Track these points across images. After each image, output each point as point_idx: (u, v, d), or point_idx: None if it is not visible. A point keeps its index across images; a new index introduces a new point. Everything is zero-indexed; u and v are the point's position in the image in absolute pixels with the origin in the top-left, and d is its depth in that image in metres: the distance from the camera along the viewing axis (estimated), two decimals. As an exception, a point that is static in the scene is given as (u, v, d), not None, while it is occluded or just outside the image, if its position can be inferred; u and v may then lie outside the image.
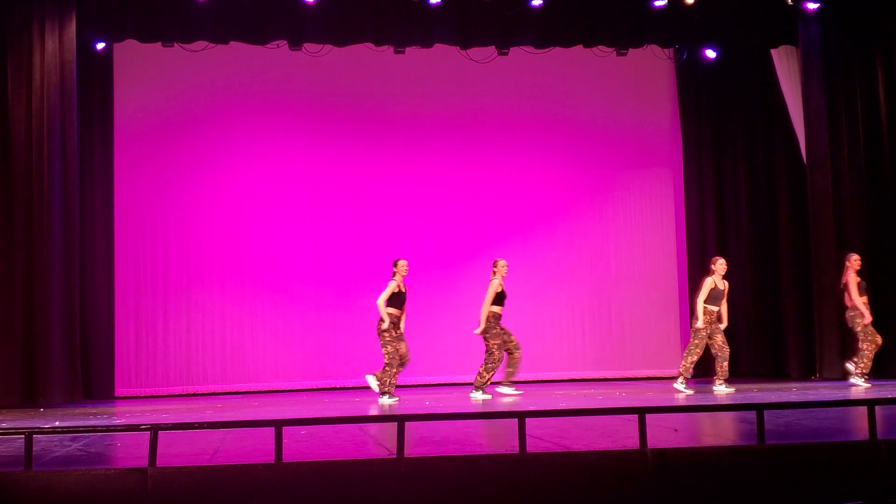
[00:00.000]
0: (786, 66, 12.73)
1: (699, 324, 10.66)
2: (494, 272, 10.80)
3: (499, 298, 10.69)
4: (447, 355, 13.26)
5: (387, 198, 13.44)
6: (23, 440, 5.39)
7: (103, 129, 12.35)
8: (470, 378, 13.25)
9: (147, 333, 12.61)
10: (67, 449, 6.47)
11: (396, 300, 10.41)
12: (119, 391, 12.16)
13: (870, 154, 12.22)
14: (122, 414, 9.74)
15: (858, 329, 10.90)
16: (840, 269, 11.20)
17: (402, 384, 11.05)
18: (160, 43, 12.03)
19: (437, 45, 12.40)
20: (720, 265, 10.83)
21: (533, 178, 13.76)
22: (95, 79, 12.26)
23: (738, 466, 5.56)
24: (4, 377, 10.79)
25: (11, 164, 11.05)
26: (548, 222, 13.79)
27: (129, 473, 5.26)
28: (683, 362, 10.77)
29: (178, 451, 6.06)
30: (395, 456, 5.43)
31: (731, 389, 10.51)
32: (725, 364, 10.68)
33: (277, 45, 12.23)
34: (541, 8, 11.98)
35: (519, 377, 13.20)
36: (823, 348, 11.99)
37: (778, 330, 13.15)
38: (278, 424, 5.47)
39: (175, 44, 12.08)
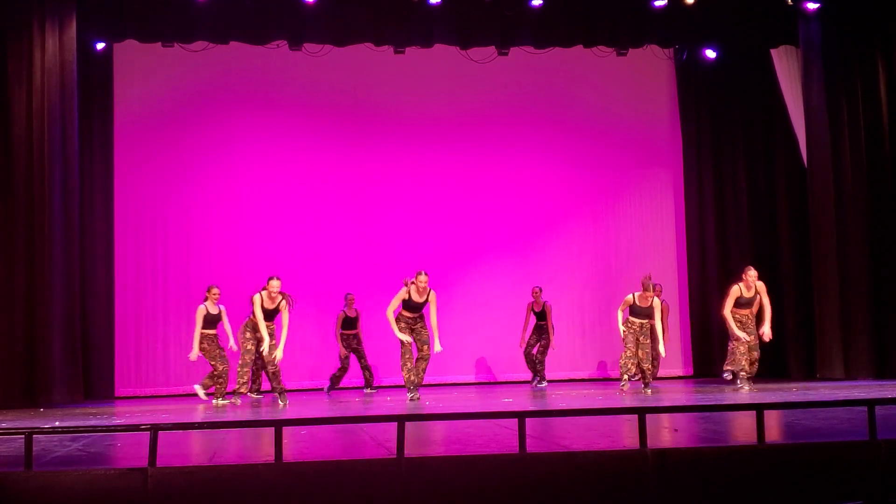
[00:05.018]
0: (786, 66, 12.72)
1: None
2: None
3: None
4: (447, 356, 13.24)
5: (387, 198, 13.45)
6: (23, 440, 5.38)
7: (103, 129, 12.36)
8: (471, 378, 13.32)
9: (147, 333, 12.61)
10: (67, 449, 6.46)
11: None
12: (119, 391, 12.18)
13: (870, 154, 12.19)
14: (122, 414, 9.74)
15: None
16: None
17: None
18: (160, 43, 12.04)
19: (437, 46, 12.40)
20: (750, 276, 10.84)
21: (533, 179, 13.76)
22: (95, 79, 12.27)
23: (738, 466, 5.56)
24: (5, 377, 10.77)
25: (12, 164, 11.03)
26: (548, 222, 13.80)
27: (129, 473, 5.26)
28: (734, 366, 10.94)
29: (178, 451, 6.06)
30: (395, 456, 5.43)
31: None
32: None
33: (277, 45, 12.23)
34: (541, 8, 11.97)
35: (519, 377, 13.25)
36: (823, 348, 11.98)
37: (778, 330, 13.11)
38: (278, 424, 5.47)
39: (175, 44, 12.09)
